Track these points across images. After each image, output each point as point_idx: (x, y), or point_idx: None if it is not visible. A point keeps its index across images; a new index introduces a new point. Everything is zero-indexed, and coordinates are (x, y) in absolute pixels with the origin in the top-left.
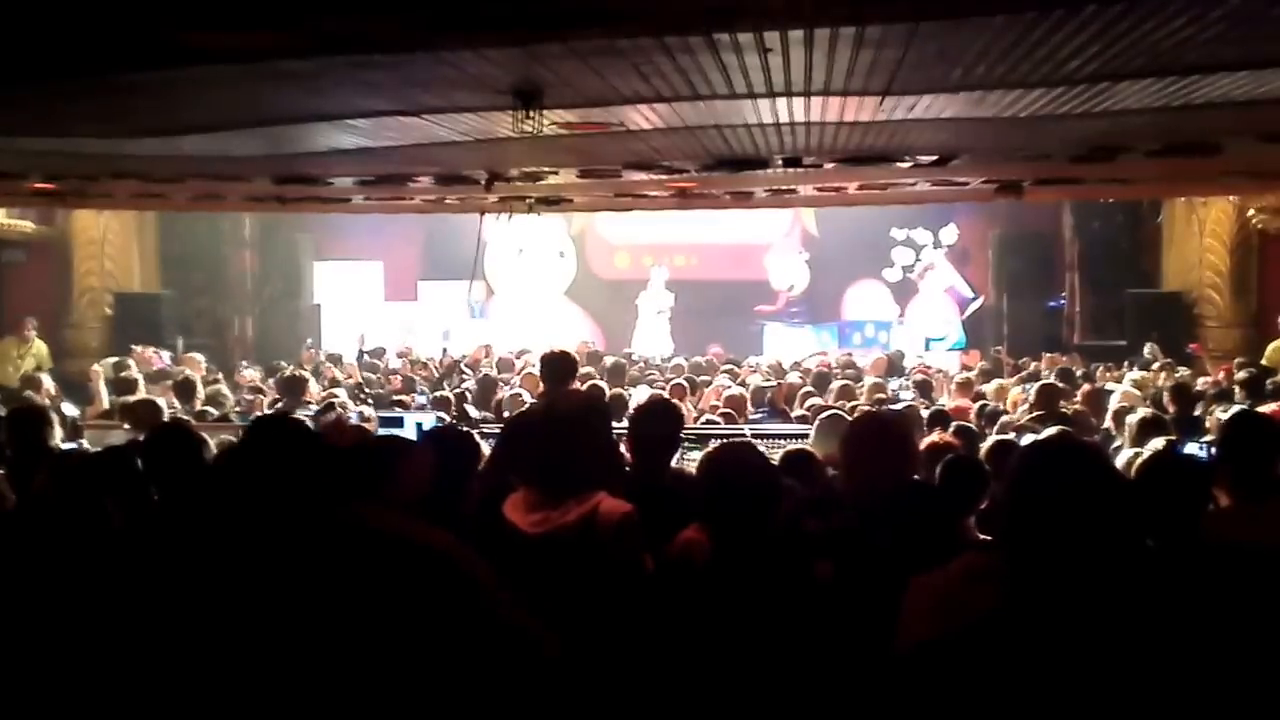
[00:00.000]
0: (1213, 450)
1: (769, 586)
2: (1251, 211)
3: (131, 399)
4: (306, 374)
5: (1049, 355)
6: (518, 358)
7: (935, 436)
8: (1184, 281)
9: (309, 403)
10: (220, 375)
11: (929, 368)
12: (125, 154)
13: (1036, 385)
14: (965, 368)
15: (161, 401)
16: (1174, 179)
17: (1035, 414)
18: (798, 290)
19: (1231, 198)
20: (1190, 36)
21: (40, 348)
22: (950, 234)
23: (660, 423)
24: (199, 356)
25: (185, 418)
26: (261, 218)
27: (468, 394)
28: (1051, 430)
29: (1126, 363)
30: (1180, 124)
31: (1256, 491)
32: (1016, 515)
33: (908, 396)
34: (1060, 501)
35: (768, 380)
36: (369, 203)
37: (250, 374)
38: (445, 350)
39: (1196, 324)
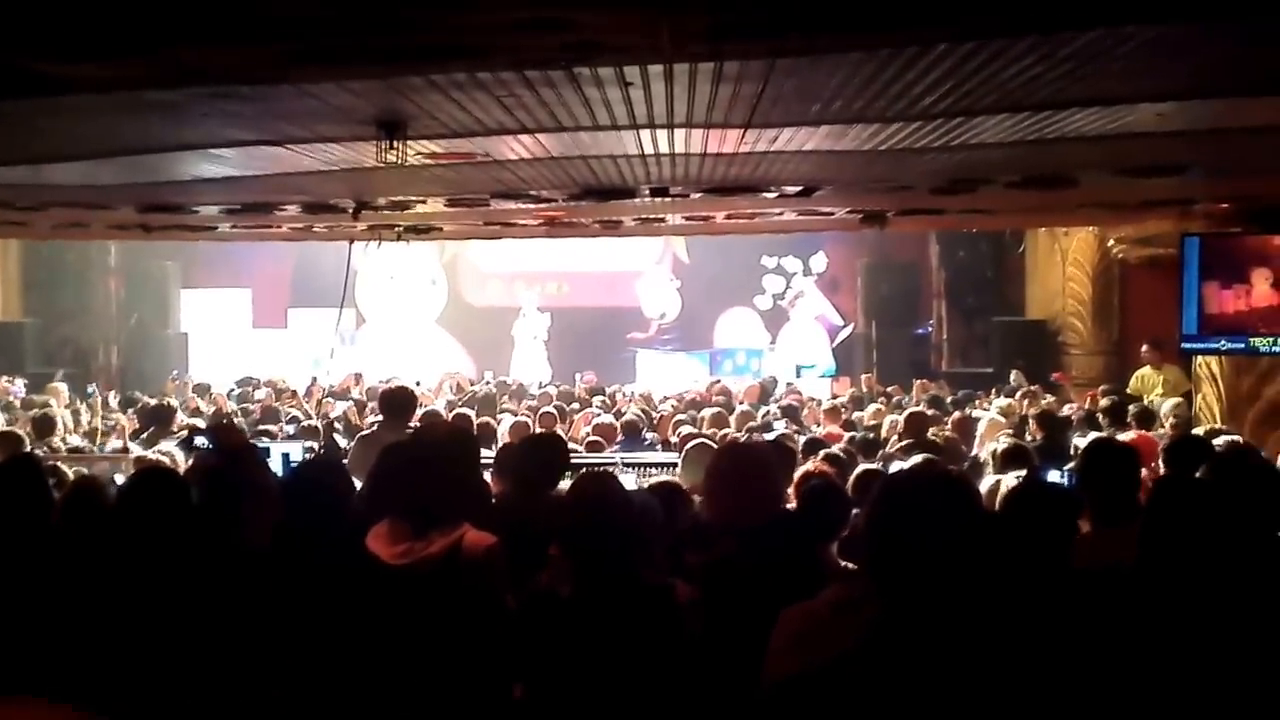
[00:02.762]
0: (1074, 478)
1: (633, 621)
2: (1111, 241)
3: None
4: (174, 404)
5: (920, 382)
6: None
7: (810, 465)
8: (1048, 310)
9: (175, 433)
10: (80, 405)
11: (799, 394)
12: None
13: (905, 413)
14: (835, 395)
15: (22, 433)
16: (1034, 210)
17: (905, 442)
18: (670, 317)
19: (1092, 228)
20: (1040, 74)
21: None
22: (819, 262)
23: (532, 454)
24: (62, 386)
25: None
26: (127, 245)
27: (336, 423)
28: (918, 459)
29: (993, 390)
30: (1037, 158)
31: (1115, 517)
32: (880, 545)
33: (779, 424)
34: (924, 531)
35: (644, 409)
36: (236, 231)
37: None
38: (314, 379)
39: (1060, 351)
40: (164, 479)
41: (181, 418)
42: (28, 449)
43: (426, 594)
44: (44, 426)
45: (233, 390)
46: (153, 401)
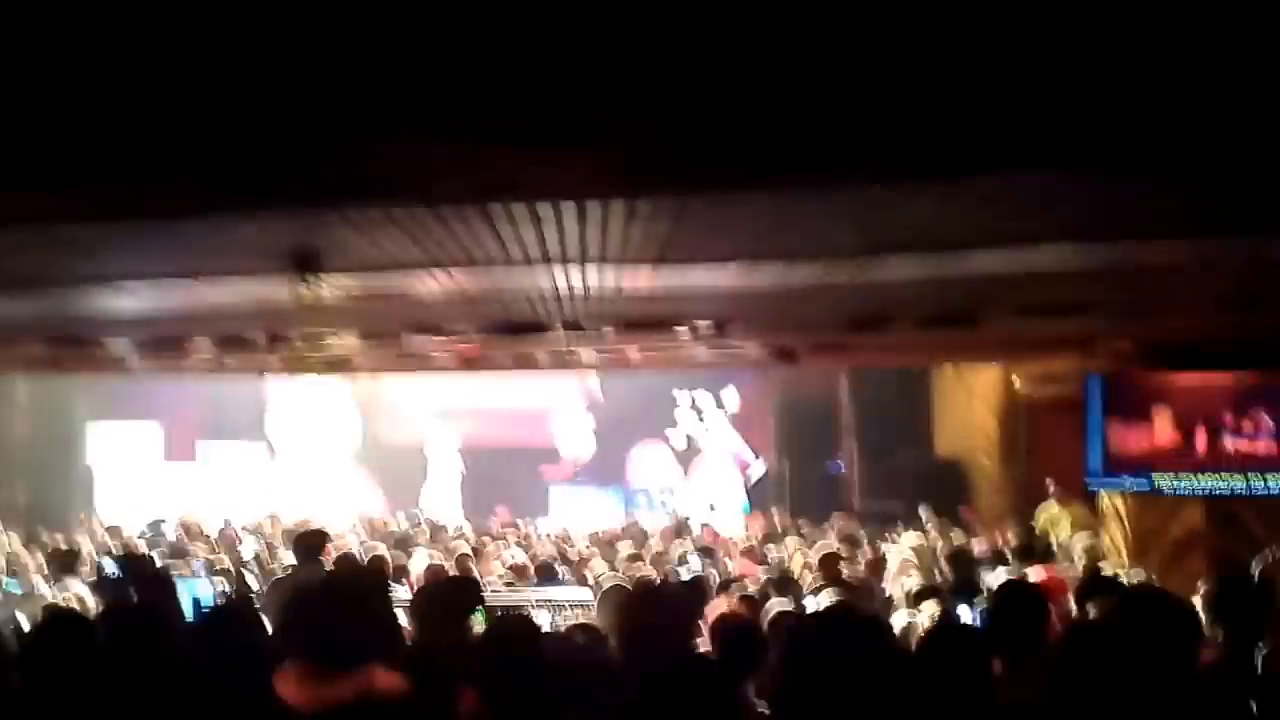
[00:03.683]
0: (985, 616)
1: None
2: (1017, 379)
3: None
4: (82, 546)
5: (839, 514)
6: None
7: (724, 605)
8: (956, 446)
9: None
10: None
11: (714, 532)
12: None
13: (819, 553)
14: (749, 532)
15: None
16: (940, 349)
17: (819, 583)
18: (583, 453)
19: (997, 365)
20: (941, 217)
21: None
22: (731, 396)
23: (446, 595)
24: None
25: None
26: (35, 376)
27: (248, 565)
28: (830, 599)
29: (900, 524)
30: (941, 297)
31: (1022, 658)
32: (794, 687)
33: (694, 561)
34: (836, 673)
35: (559, 548)
36: (146, 365)
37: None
38: (227, 521)
39: (969, 488)
40: (73, 623)
41: (91, 557)
42: None
43: None
44: None
45: (144, 534)
46: (60, 543)
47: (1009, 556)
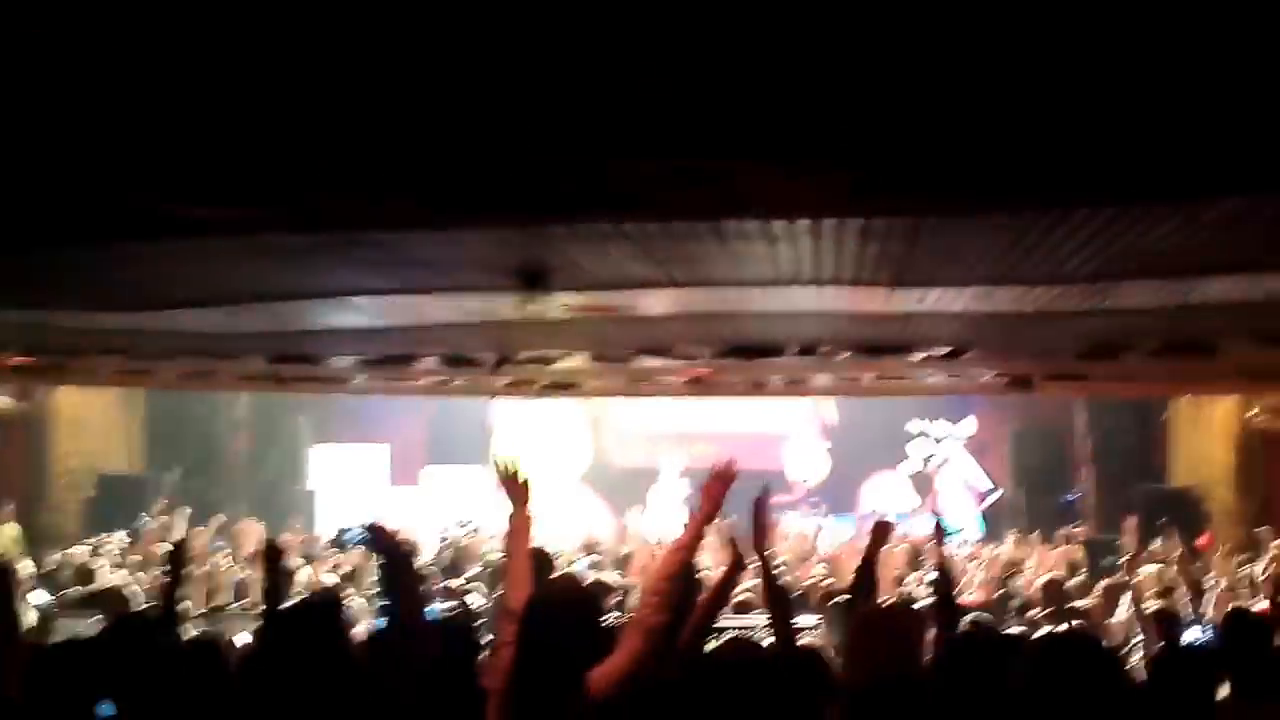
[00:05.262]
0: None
1: None
2: (1255, 410)
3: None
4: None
5: (1062, 533)
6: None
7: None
8: (1193, 476)
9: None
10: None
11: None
12: (109, 328)
13: (1043, 579)
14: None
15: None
16: (1176, 378)
17: (1047, 610)
18: (815, 480)
19: (1234, 396)
20: (1180, 240)
21: (9, 530)
22: (969, 426)
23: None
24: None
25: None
26: (258, 398)
27: (474, 585)
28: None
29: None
30: (1179, 324)
31: (1259, 690)
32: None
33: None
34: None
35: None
36: (371, 384)
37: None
38: (473, 527)
39: (1205, 519)
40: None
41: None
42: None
43: None
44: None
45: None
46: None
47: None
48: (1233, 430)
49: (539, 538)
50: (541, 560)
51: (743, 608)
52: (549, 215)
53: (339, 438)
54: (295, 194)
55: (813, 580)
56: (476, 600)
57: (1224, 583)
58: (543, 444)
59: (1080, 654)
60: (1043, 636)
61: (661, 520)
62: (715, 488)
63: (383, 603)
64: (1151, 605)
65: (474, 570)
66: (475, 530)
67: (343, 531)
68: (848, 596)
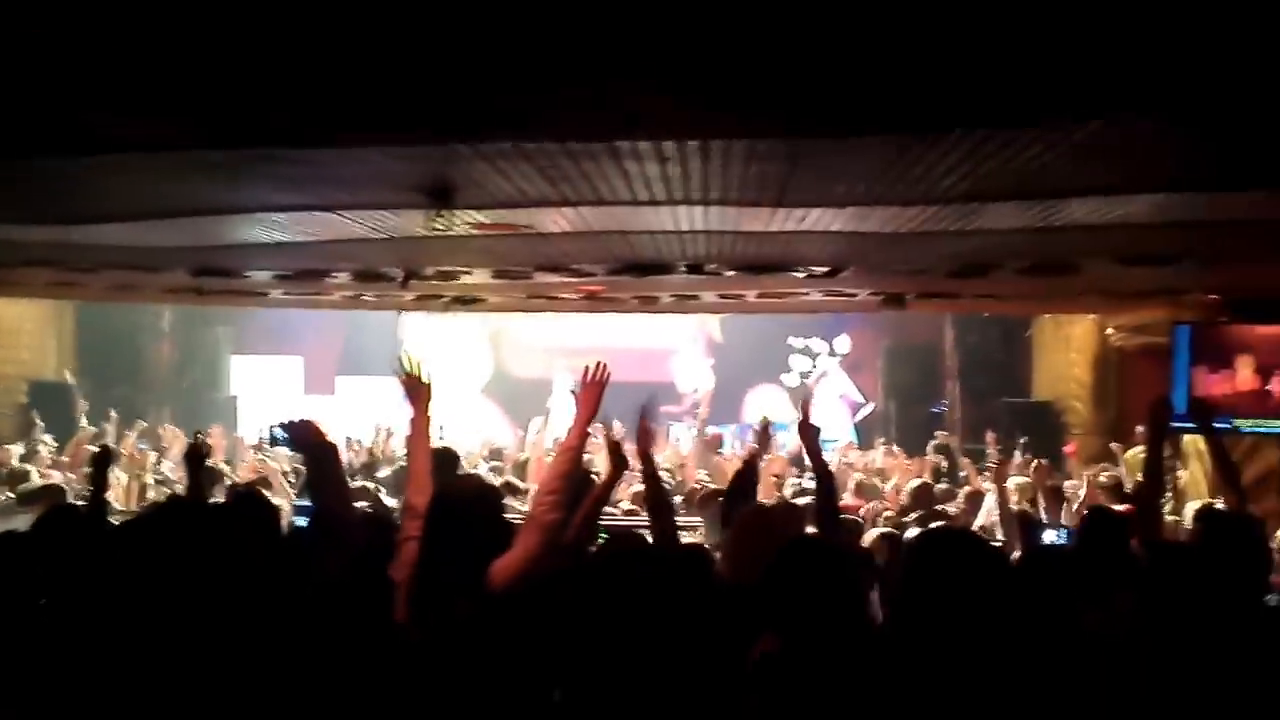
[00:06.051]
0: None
1: None
2: (1110, 329)
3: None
4: (223, 468)
5: (932, 444)
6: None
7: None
8: (1053, 391)
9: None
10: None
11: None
12: (39, 241)
13: (912, 485)
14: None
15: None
16: (1040, 297)
17: (915, 514)
18: (702, 393)
19: (1092, 316)
20: (1046, 163)
21: None
22: (843, 343)
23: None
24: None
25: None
26: (179, 311)
27: (382, 486)
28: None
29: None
30: (1044, 245)
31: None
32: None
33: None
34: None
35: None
36: (288, 297)
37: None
38: (360, 443)
39: (1064, 431)
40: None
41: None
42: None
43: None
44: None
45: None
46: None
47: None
48: (1091, 348)
49: (447, 443)
50: (448, 458)
51: (633, 511)
52: (453, 134)
53: (256, 349)
54: (213, 110)
55: (697, 484)
56: (390, 502)
57: (1083, 491)
58: (447, 356)
59: (961, 546)
60: (924, 531)
61: (557, 429)
62: (590, 391)
63: (310, 495)
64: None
65: (385, 473)
66: (390, 433)
67: (269, 430)
68: (727, 496)
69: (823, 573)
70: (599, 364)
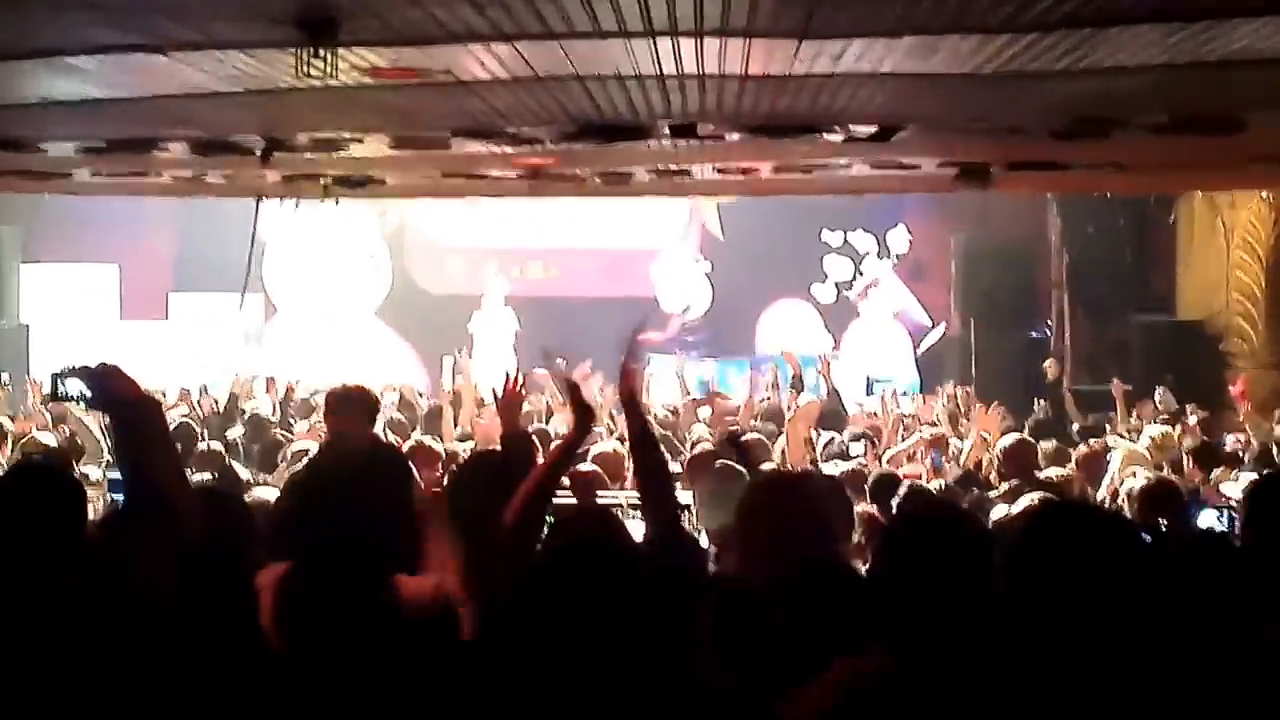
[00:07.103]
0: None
1: None
2: None
3: None
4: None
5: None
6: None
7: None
8: (1206, 308)
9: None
10: None
11: (875, 418)
12: None
13: (1003, 444)
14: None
15: None
16: (1187, 166)
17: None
18: (695, 312)
19: (1266, 194)
20: None
21: None
22: (900, 239)
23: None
24: None
25: None
26: None
27: (238, 446)
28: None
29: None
30: (1193, 88)
31: None
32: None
33: (857, 450)
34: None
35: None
36: (100, 180)
37: None
38: (204, 390)
39: (1223, 364)
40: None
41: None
42: None
43: None
44: None
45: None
46: None
47: (1276, 456)
48: (1264, 242)
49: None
50: (362, 402)
51: (587, 489)
52: None
53: (55, 255)
54: None
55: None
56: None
57: (1256, 447)
58: (327, 263)
59: (1087, 526)
60: (1028, 508)
61: (487, 365)
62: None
63: (121, 470)
64: (1139, 479)
65: (238, 431)
66: (253, 377)
67: (57, 378)
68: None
69: (959, 563)
70: (513, 379)
